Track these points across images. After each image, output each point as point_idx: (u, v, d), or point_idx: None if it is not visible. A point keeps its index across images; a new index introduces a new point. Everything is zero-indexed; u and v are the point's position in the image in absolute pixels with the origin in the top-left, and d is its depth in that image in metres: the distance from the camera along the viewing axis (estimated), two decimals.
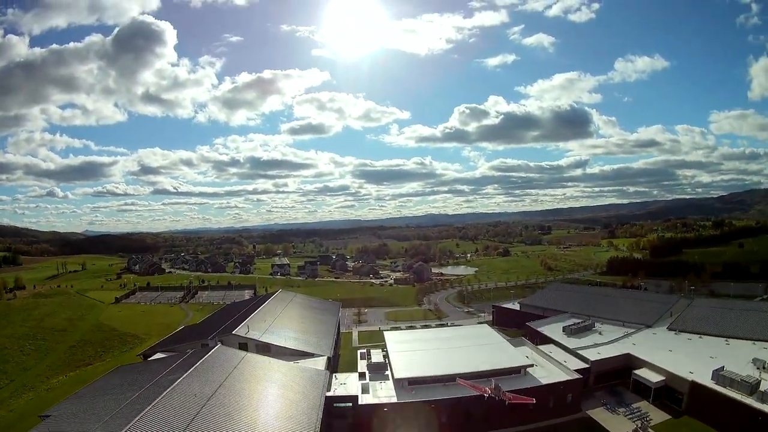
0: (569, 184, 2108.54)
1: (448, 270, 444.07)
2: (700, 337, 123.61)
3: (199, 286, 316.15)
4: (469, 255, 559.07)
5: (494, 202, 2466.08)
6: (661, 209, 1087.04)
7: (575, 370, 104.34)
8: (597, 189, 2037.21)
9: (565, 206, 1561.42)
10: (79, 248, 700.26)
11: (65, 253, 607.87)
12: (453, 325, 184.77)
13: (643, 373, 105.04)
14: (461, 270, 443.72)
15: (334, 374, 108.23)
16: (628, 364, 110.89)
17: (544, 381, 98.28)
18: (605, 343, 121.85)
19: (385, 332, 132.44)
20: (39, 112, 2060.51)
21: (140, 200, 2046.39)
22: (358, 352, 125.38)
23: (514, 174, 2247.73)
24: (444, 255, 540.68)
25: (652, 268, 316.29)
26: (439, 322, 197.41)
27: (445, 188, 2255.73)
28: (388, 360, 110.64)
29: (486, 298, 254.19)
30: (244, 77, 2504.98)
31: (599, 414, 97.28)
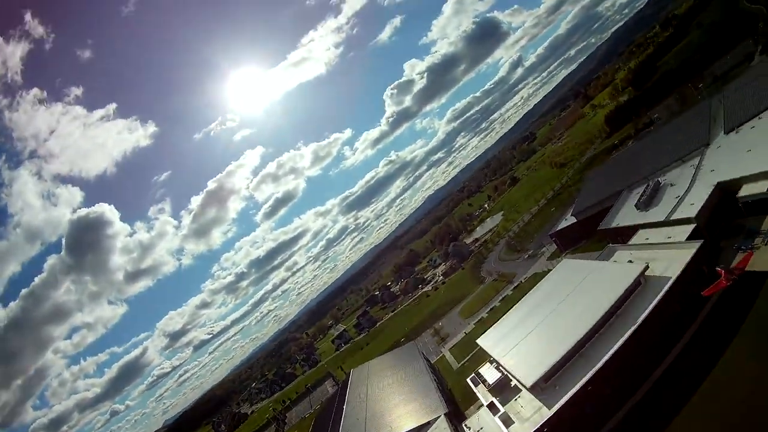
0: (520, 86, 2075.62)
1: (480, 231, 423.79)
2: (759, 118, 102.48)
3: (284, 408, 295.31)
4: (486, 205, 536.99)
5: (471, 147, 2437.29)
6: (607, 50, 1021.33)
7: (688, 239, 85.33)
8: (545, 74, 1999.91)
9: (531, 107, 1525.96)
10: None
11: None
12: (527, 279, 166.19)
13: (747, 189, 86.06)
14: (490, 223, 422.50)
15: (463, 424, 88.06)
16: (725, 191, 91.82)
17: (673, 271, 77.95)
18: (687, 192, 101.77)
19: (478, 340, 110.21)
20: (53, 354, 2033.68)
21: (189, 364, 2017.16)
22: (468, 380, 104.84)
23: (470, 113, 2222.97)
24: (465, 221, 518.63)
25: (647, 100, 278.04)
26: (512, 287, 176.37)
27: (424, 167, 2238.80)
28: (505, 370, 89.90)
29: (534, 231, 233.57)
30: (195, 201, 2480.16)
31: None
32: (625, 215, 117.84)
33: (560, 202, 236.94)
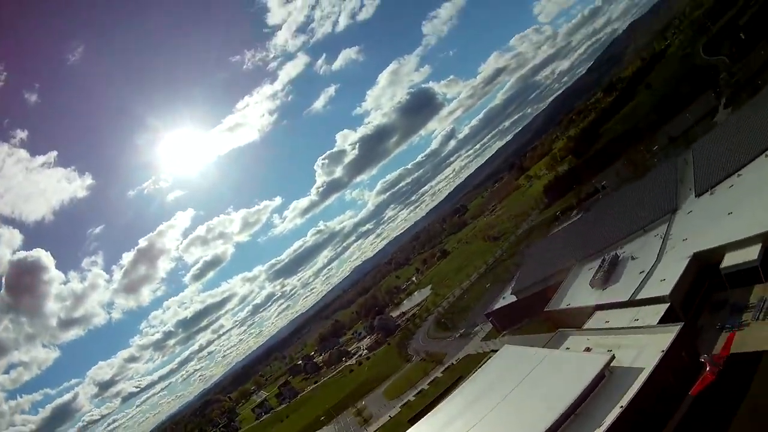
0: (452, 158, 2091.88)
1: (407, 305, 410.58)
2: (738, 176, 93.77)
3: None
4: (414, 278, 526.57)
5: (401, 219, 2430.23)
6: (544, 120, 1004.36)
7: (660, 322, 73.63)
8: (479, 146, 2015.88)
9: (463, 179, 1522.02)
10: None
11: None
12: (459, 361, 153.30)
13: (731, 258, 75.73)
14: (418, 297, 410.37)
15: None
16: (702, 263, 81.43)
17: (646, 360, 65.44)
18: (655, 266, 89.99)
19: None
20: None
21: (117, 414, 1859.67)
22: None
23: (400, 185, 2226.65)
24: (392, 294, 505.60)
25: (592, 166, 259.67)
26: (442, 368, 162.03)
27: (353, 238, 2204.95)
28: None
29: (466, 307, 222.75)
30: (126, 257, 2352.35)
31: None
32: (578, 294, 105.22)
33: (495, 278, 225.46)
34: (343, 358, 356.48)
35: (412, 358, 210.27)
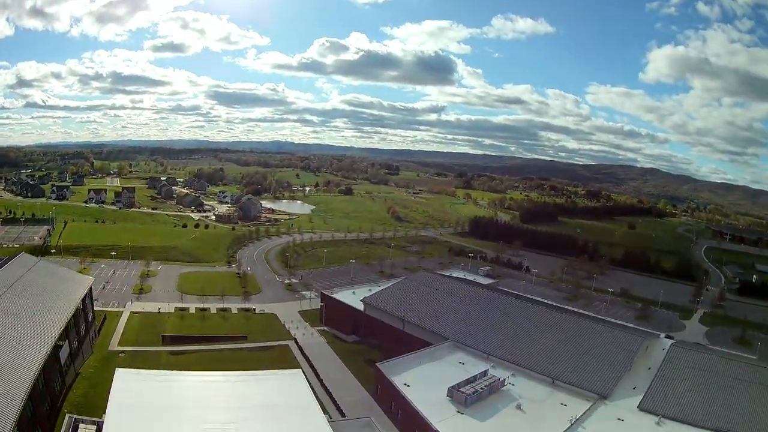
0: (422, 127, 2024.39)
1: (282, 205, 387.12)
2: None
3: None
4: (308, 189, 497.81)
5: (342, 136, 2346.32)
6: (518, 166, 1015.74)
7: None
8: (450, 136, 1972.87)
9: (415, 148, 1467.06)
10: None
11: None
12: (257, 311, 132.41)
13: None
14: (297, 207, 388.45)
15: None
16: None
17: None
18: None
19: (117, 372, 67.11)
20: None
21: (14, 113, 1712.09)
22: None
23: (366, 110, 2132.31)
24: (281, 186, 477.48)
25: (527, 237, 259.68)
26: (242, 304, 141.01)
27: (295, 117, 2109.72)
28: None
29: (317, 259, 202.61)
30: None
31: None
32: (426, 388, 77.01)
33: (366, 255, 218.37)
34: (193, 208, 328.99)
35: (237, 263, 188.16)
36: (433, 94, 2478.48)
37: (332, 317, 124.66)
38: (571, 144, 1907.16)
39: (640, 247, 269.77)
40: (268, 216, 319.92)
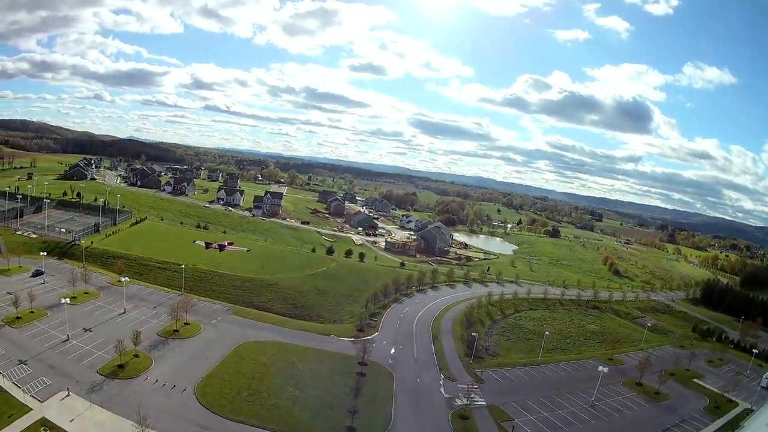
0: (619, 176, 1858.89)
1: (479, 242, 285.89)
2: None
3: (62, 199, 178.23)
4: (509, 226, 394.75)
5: (543, 178, 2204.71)
6: (702, 223, 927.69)
7: None
8: (644, 188, 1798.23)
9: (612, 197, 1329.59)
10: (90, 149, 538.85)
11: (69, 152, 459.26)
12: None
13: None
14: (496, 245, 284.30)
15: None
16: None
17: None
18: None
19: None
20: (91, 15, 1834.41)
21: (190, 113, 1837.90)
22: None
23: (567, 154, 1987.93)
24: (479, 219, 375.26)
25: (763, 310, 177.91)
26: None
27: (498, 154, 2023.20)
28: None
29: (525, 338, 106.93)
30: (307, 4, 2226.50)
31: None
32: None
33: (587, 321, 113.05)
34: (360, 229, 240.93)
35: (373, 332, 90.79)
36: (631, 143, 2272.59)
37: None
38: (748, 204, 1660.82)
39: None
40: (459, 252, 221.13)
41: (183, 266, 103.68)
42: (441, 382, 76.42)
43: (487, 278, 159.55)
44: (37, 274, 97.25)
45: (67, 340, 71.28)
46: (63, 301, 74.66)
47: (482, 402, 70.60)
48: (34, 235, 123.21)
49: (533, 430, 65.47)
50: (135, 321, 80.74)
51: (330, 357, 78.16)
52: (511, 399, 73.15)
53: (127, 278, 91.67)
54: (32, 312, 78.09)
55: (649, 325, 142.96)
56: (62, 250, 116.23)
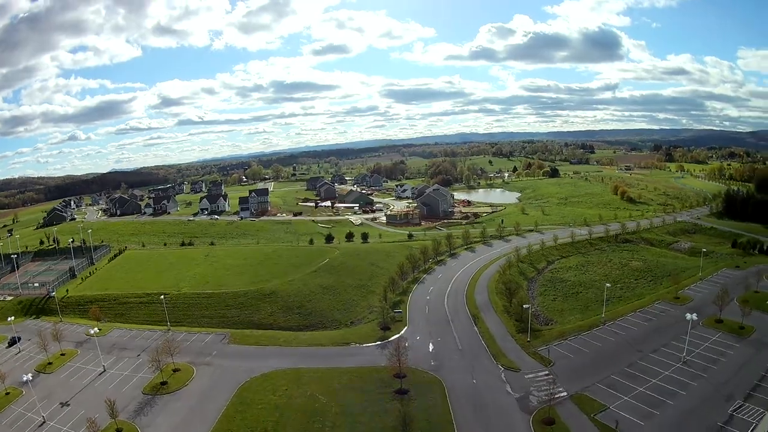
0: (599, 106, 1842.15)
1: (480, 196, 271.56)
2: None
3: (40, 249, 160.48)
4: (506, 174, 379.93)
5: (525, 122, 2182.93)
6: (693, 137, 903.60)
7: None
8: (627, 113, 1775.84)
9: (596, 128, 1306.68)
10: (73, 191, 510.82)
11: (52, 199, 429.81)
12: None
13: None
14: (498, 196, 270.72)
15: None
16: None
17: None
18: None
19: None
20: (49, 60, 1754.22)
21: (166, 132, 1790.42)
22: None
23: (543, 94, 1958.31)
24: (474, 174, 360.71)
25: None
26: None
27: (475, 107, 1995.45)
28: None
29: (570, 293, 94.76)
30: (258, 1, 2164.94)
31: None
32: None
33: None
34: (356, 208, 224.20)
35: (403, 327, 74.58)
36: (604, 72, 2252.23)
37: None
38: (733, 112, 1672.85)
39: None
40: (464, 210, 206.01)
41: (163, 297, 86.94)
42: (503, 377, 60.28)
43: (504, 231, 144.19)
44: (13, 342, 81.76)
45: (44, 423, 55.37)
46: (26, 377, 58.31)
47: (563, 393, 54.41)
48: (9, 297, 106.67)
49: (638, 416, 49.65)
50: (117, 380, 64.65)
51: (357, 376, 61.79)
52: (594, 379, 57.28)
53: (98, 329, 75.08)
54: (8, 393, 63.03)
55: (686, 247, 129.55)
56: (38, 307, 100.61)
